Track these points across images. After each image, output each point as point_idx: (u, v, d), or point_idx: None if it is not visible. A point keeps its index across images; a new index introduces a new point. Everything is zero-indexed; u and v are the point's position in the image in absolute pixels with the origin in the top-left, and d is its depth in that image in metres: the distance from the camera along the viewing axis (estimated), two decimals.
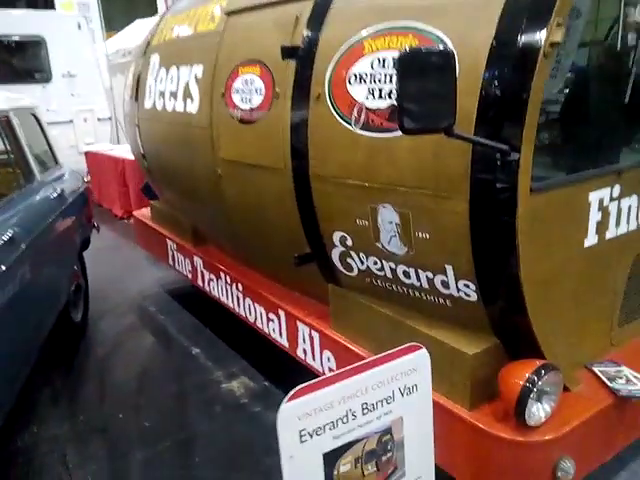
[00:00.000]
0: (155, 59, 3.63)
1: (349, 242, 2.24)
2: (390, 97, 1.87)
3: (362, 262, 2.25)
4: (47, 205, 3.32)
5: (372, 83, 1.92)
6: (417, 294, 2.11)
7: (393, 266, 2.10)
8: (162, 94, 3.42)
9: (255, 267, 3.25)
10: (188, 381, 3.48)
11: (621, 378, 2.06)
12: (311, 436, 1.47)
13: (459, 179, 1.71)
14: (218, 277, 3.57)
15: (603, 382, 2.04)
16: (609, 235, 2.08)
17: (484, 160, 1.63)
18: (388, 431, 1.64)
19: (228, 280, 3.44)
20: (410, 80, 1.46)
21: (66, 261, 3.74)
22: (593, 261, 2.07)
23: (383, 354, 1.58)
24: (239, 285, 3.32)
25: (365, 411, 1.57)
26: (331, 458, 1.52)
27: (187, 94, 3.07)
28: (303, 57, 2.21)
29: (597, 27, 2.82)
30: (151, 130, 3.73)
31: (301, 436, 1.46)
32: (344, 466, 1.56)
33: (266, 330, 3.12)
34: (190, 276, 4.02)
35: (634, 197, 2.12)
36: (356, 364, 1.54)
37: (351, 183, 2.09)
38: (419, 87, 1.46)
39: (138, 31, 12.48)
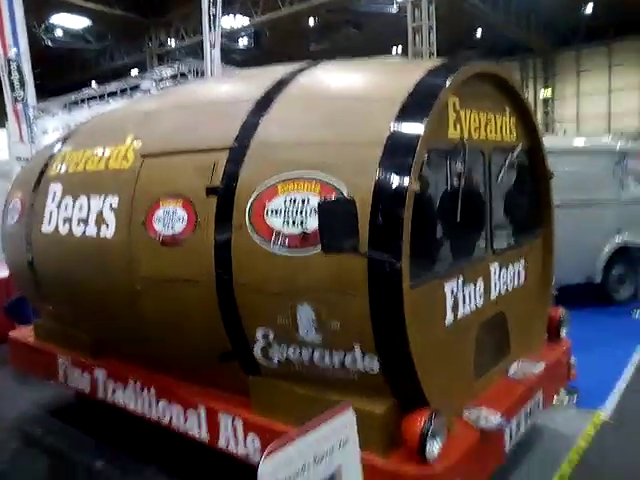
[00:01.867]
0: (56, 188, 3.94)
1: (271, 336, 2.77)
2: (301, 225, 2.54)
3: (282, 353, 2.78)
4: None
5: (286, 216, 2.58)
6: (331, 374, 2.68)
7: (311, 352, 2.67)
8: (68, 220, 3.72)
9: (169, 370, 3.53)
10: None
11: (482, 419, 2.80)
12: None
13: (360, 282, 2.40)
14: (126, 385, 3.74)
15: (471, 423, 2.76)
16: (460, 313, 2.91)
17: (377, 268, 2.35)
18: (333, 477, 2.12)
19: (138, 386, 3.64)
20: (327, 218, 2.15)
21: None
22: (452, 333, 2.86)
23: (321, 415, 2.09)
24: (151, 389, 3.55)
25: (316, 462, 2.05)
26: None
27: (101, 221, 3.44)
28: (224, 194, 2.82)
29: None
30: (51, 253, 3.93)
31: None
32: None
33: (182, 429, 3.38)
34: (88, 390, 4.07)
35: (470, 286, 3.00)
36: (302, 426, 2.03)
37: (272, 290, 2.66)
38: (334, 222, 2.15)
39: None
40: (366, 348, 2.52)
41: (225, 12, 20.89)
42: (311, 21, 25.03)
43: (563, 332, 3.90)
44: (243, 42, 26.50)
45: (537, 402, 3.34)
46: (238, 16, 22.09)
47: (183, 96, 4.07)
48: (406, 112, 2.51)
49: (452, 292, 2.82)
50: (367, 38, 26.17)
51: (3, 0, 9.46)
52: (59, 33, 24.47)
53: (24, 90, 9.68)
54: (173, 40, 24.86)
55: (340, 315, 2.53)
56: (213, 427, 3.19)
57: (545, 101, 31.32)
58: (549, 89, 31.07)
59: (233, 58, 29.03)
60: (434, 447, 2.44)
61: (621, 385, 4.80)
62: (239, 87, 3.65)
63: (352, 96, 2.81)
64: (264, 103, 3.00)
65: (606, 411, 4.32)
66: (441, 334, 2.77)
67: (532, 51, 29.63)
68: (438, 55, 16.57)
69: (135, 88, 8.36)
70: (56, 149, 4.32)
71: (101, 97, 8.62)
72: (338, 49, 27.86)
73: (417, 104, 2.53)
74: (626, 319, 6.76)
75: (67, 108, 9.34)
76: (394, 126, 2.49)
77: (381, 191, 2.37)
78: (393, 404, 2.58)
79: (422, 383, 2.51)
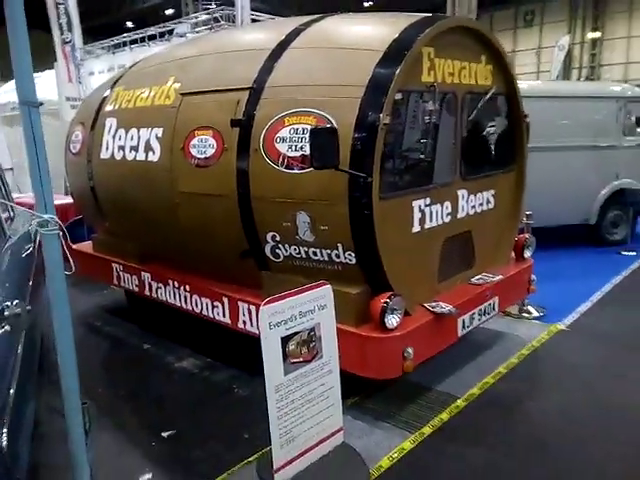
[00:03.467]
0: (111, 122, 4.78)
1: (277, 238, 3.60)
2: (301, 150, 3.30)
3: (286, 250, 3.62)
4: None
5: (290, 142, 3.35)
6: (321, 265, 3.51)
7: (306, 249, 3.50)
8: (122, 148, 4.58)
9: (200, 271, 4.44)
10: (148, 365, 4.53)
11: (437, 307, 3.61)
12: (275, 326, 2.78)
13: (342, 194, 3.18)
14: (166, 284, 4.69)
15: (428, 309, 3.58)
16: (426, 226, 3.67)
17: (355, 183, 3.12)
18: (313, 330, 2.99)
19: (176, 284, 4.58)
20: (315, 142, 2.92)
21: None
22: (418, 241, 3.63)
23: (308, 285, 2.94)
24: (186, 286, 4.49)
25: (300, 316, 2.91)
26: (284, 340, 2.83)
27: (148, 148, 4.28)
28: (244, 126, 3.59)
29: None
30: (108, 175, 4.82)
31: (269, 326, 2.76)
32: (291, 346, 2.87)
33: (211, 315, 4.31)
34: (136, 289, 5.06)
35: (437, 205, 3.74)
36: (295, 289, 2.88)
37: (279, 200, 3.47)
38: (320, 145, 2.91)
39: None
40: (346, 246, 3.33)
41: None
42: None
43: (526, 254, 4.62)
44: None
45: (492, 304, 4.12)
46: None
47: (214, 44, 4.79)
48: (385, 60, 3.21)
49: (419, 208, 3.58)
50: None
51: None
52: None
53: (72, 32, 10.42)
54: None
55: (328, 220, 3.33)
56: (234, 313, 4.10)
57: (594, 42, 30.11)
58: (597, 31, 29.80)
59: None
60: (392, 319, 3.28)
61: (586, 306, 5.53)
62: (260, 37, 4.34)
63: (345, 46, 3.50)
64: (277, 52, 3.72)
65: (564, 324, 5.09)
66: (407, 240, 3.55)
67: None
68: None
69: (171, 32, 9.01)
70: (109, 89, 5.14)
71: (141, 40, 9.30)
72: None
73: (394, 53, 3.22)
74: (612, 257, 7.39)
75: (110, 51, 10.07)
76: (374, 71, 3.19)
77: (360, 123, 3.11)
78: (365, 288, 3.40)
79: (387, 274, 3.32)
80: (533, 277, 4.63)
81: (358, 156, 3.10)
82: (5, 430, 1.79)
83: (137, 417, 3.74)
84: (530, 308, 5.35)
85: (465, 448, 3.29)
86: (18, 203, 7.83)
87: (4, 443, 1.77)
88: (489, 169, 4.32)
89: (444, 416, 3.60)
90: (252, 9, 7.88)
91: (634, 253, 7.47)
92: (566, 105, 7.43)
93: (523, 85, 7.99)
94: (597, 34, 29.92)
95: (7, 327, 2.08)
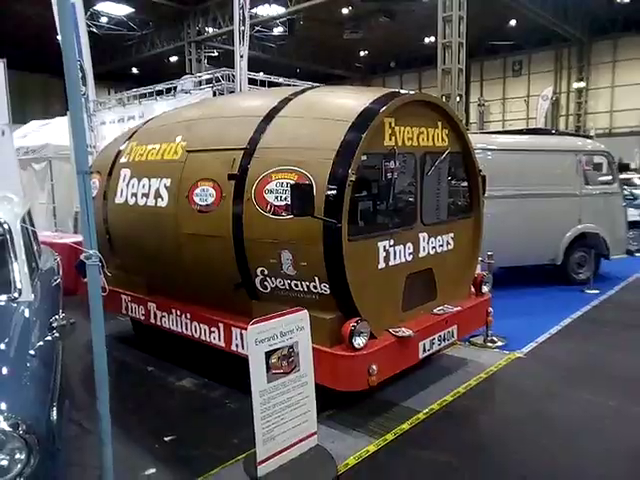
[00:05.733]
0: (126, 172, 5.56)
1: (266, 272, 4.30)
2: (285, 200, 4.03)
3: (273, 282, 4.31)
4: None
5: (276, 193, 4.09)
6: (301, 295, 4.20)
7: (289, 282, 4.19)
8: (134, 194, 5.33)
9: (198, 302, 5.11)
10: (151, 384, 5.15)
11: (400, 331, 4.28)
12: (260, 342, 3.45)
13: (317, 236, 3.90)
14: (169, 313, 5.36)
15: (391, 333, 4.24)
16: (390, 263, 4.38)
17: (327, 228, 3.84)
18: (292, 347, 3.65)
19: (178, 313, 5.25)
20: (295, 194, 3.66)
21: None
22: (384, 275, 4.33)
23: (288, 310, 3.62)
24: (187, 314, 5.15)
25: (281, 335, 3.57)
26: (268, 355, 3.49)
27: (158, 195, 5.03)
28: (239, 179, 4.35)
29: None
30: (121, 218, 5.56)
31: (255, 342, 3.43)
32: (273, 360, 3.53)
33: (208, 340, 4.96)
34: (143, 318, 5.72)
35: (400, 246, 4.46)
36: (277, 313, 3.55)
37: (267, 241, 4.19)
38: (299, 197, 3.66)
39: (34, 131, 13.96)
40: (322, 279, 4.03)
41: (261, 1, 22.28)
42: (345, 10, 26.03)
43: (484, 289, 5.32)
44: (278, 30, 27.84)
45: (451, 332, 4.80)
46: (274, 5, 23.38)
47: (215, 108, 5.63)
48: (353, 129, 3.99)
49: (384, 248, 4.30)
50: (399, 27, 27.21)
51: None
52: (103, 20, 26.10)
53: (85, 86, 11.37)
54: (210, 28, 26.26)
55: (306, 258, 4.04)
56: (228, 337, 4.75)
57: (579, 92, 31.67)
58: (582, 81, 31.36)
59: (268, 46, 30.51)
60: (359, 340, 3.94)
61: (544, 337, 6.19)
62: (254, 104, 5.16)
63: (322, 116, 4.30)
64: (267, 118, 4.52)
65: (522, 352, 5.74)
66: (373, 274, 4.25)
67: (567, 40, 29.82)
68: (468, 46, 17.10)
69: (176, 88, 9.91)
70: (124, 144, 5.93)
71: (150, 94, 10.23)
72: (371, 38, 29.02)
73: (360, 123, 4.01)
74: (576, 295, 8.08)
75: (121, 103, 11.01)
76: (344, 137, 3.97)
77: (332, 179, 3.86)
78: (338, 315, 4.08)
79: (355, 302, 4.01)
80: (490, 310, 5.31)
81: (330, 206, 3.84)
82: (55, 408, 2.44)
83: (143, 426, 4.33)
84: (494, 338, 6.01)
85: (420, 451, 3.91)
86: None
87: (54, 417, 2.41)
88: (447, 216, 5.08)
89: (405, 426, 4.22)
90: (251, 57, 8.77)
91: (597, 291, 8.17)
92: (533, 157, 8.29)
93: (498, 139, 8.95)
94: (582, 84, 31.51)
95: (56, 334, 2.77)
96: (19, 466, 2.10)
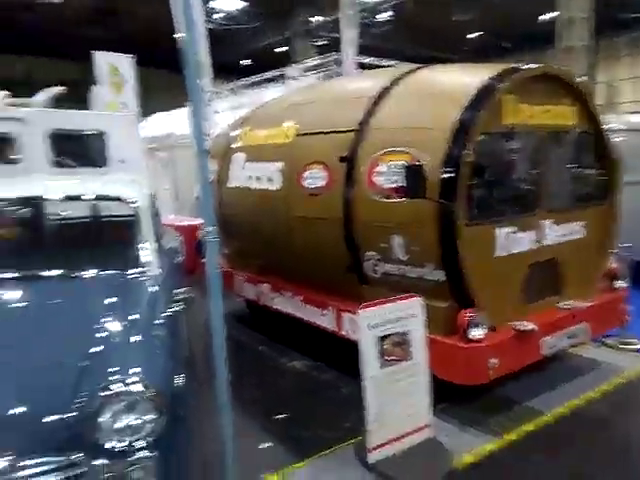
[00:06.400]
0: (238, 157, 5.72)
1: (376, 256, 4.21)
2: (396, 182, 3.90)
3: (383, 267, 4.21)
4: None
5: (388, 175, 3.97)
6: (413, 282, 4.05)
7: (400, 267, 4.07)
8: (247, 178, 5.47)
9: (308, 285, 5.14)
10: (264, 363, 5.30)
11: (521, 325, 3.98)
12: (372, 327, 3.37)
13: (431, 219, 3.72)
14: (281, 295, 5.46)
15: (512, 327, 3.96)
16: (510, 252, 4.07)
17: (442, 211, 3.66)
18: (405, 334, 3.53)
19: (290, 295, 5.33)
20: (409, 176, 3.52)
21: None
22: (502, 264, 4.04)
23: (399, 296, 3.50)
24: (299, 296, 5.22)
25: (393, 321, 3.47)
26: (380, 340, 3.41)
27: (269, 179, 5.12)
28: (350, 161, 4.28)
29: None
30: (235, 202, 5.74)
31: (368, 326, 3.36)
32: (386, 346, 3.44)
33: (318, 322, 4.99)
34: (256, 298, 5.89)
35: (521, 233, 4.13)
36: (390, 298, 3.45)
37: (377, 224, 4.09)
38: (412, 179, 3.51)
39: (158, 122, 14.93)
40: (435, 265, 3.86)
41: None
42: None
43: (618, 284, 4.78)
44: (384, 15, 27.29)
45: (582, 330, 4.36)
46: None
47: (325, 91, 5.61)
48: (469, 107, 3.74)
49: (503, 235, 4.00)
50: (514, 4, 25.51)
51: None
52: (217, 16, 27.16)
53: (202, 78, 11.95)
54: (318, 17, 26.36)
55: (419, 242, 3.88)
56: (338, 320, 4.74)
57: None
58: None
59: (374, 32, 30.10)
60: (475, 332, 3.72)
61: None
62: (364, 85, 5.04)
63: (436, 94, 4.09)
64: (379, 99, 4.38)
65: None
66: (491, 263, 3.96)
67: None
68: (594, 20, 15.63)
69: (281, 76, 10.07)
70: (237, 130, 6.11)
71: (259, 83, 10.50)
72: (482, 18, 27.51)
73: (477, 101, 3.75)
74: None
75: (233, 92, 11.42)
76: (460, 116, 3.73)
77: (447, 160, 3.66)
78: (452, 303, 3.89)
79: (471, 291, 3.79)
80: (627, 307, 4.77)
81: (445, 188, 3.65)
82: (180, 376, 2.56)
83: (256, 403, 4.45)
84: (631, 340, 5.41)
85: (548, 455, 3.60)
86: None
87: (180, 385, 2.52)
88: (575, 202, 4.61)
89: (530, 427, 3.91)
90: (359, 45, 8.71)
91: None
92: None
93: (632, 119, 7.99)
94: None
95: (180, 307, 2.92)
96: (149, 426, 2.22)
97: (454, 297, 3.91)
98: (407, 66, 4.78)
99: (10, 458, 2.04)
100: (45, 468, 2.10)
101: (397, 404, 3.50)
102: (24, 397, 2.20)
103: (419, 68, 4.68)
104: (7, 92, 9.34)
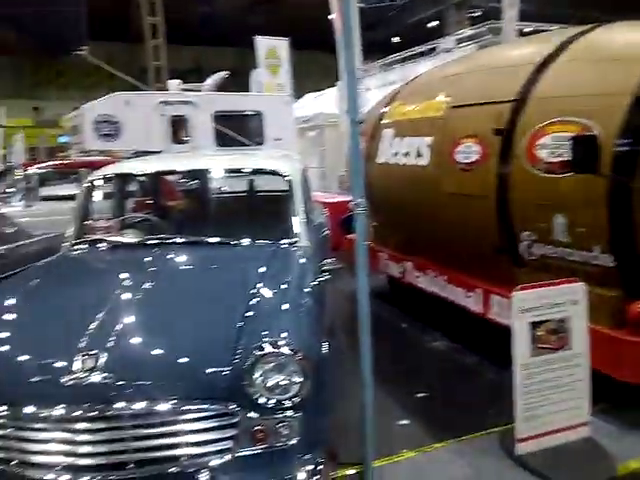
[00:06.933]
0: (387, 132, 5.65)
1: (533, 237, 3.90)
2: (562, 156, 3.55)
3: (541, 249, 3.89)
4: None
5: (551, 148, 3.62)
6: (575, 266, 3.69)
7: (562, 249, 3.72)
8: (395, 154, 5.40)
9: (455, 264, 4.95)
10: (405, 341, 5.26)
11: None
12: (525, 311, 3.14)
13: (602, 196, 3.33)
14: (425, 273, 5.34)
15: None
16: None
17: (616, 188, 3.25)
18: (563, 321, 3.24)
19: (434, 274, 5.20)
20: (577, 148, 3.17)
21: None
22: None
23: (559, 280, 3.20)
24: (444, 276, 5.06)
25: (550, 306, 3.19)
26: (534, 326, 3.16)
27: (419, 154, 4.99)
28: (506, 134, 3.99)
29: None
30: (382, 177, 5.70)
31: (521, 310, 3.13)
32: (539, 332, 3.19)
33: (463, 303, 4.79)
34: (400, 276, 5.84)
35: None
36: (546, 282, 3.18)
37: (536, 202, 3.77)
38: (581, 151, 3.16)
39: (308, 103, 15.38)
40: (604, 249, 3.46)
41: None
42: None
43: None
44: None
45: None
46: None
47: (481, 61, 5.27)
48: None
49: None
50: None
51: None
52: None
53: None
54: None
55: (585, 223, 3.51)
56: (486, 303, 4.51)
57: None
58: None
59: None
60: None
61: None
62: (525, 52, 4.64)
63: (611, 57, 3.61)
64: (543, 65, 4.00)
65: None
66: None
67: None
68: None
69: (433, 50, 9.70)
70: (387, 106, 6.03)
71: (410, 58, 10.26)
72: None
73: None
74: None
75: (383, 69, 11.32)
76: None
77: (625, 130, 3.23)
78: (620, 292, 3.47)
79: None
80: None
81: (621, 162, 3.23)
82: (325, 343, 2.63)
83: (397, 379, 4.42)
84: None
85: None
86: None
87: (325, 351, 2.60)
88: None
89: None
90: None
91: None
92: None
93: None
94: None
95: (328, 276, 3.01)
96: (295, 387, 2.31)
97: (624, 286, 3.48)
98: (573, 29, 4.28)
99: (174, 402, 2.25)
100: (204, 414, 2.28)
101: (550, 396, 3.23)
102: (189, 349, 2.41)
103: (592, 29, 4.17)
104: (180, 80, 10.35)
